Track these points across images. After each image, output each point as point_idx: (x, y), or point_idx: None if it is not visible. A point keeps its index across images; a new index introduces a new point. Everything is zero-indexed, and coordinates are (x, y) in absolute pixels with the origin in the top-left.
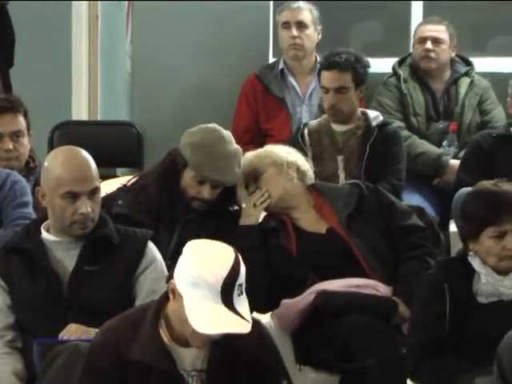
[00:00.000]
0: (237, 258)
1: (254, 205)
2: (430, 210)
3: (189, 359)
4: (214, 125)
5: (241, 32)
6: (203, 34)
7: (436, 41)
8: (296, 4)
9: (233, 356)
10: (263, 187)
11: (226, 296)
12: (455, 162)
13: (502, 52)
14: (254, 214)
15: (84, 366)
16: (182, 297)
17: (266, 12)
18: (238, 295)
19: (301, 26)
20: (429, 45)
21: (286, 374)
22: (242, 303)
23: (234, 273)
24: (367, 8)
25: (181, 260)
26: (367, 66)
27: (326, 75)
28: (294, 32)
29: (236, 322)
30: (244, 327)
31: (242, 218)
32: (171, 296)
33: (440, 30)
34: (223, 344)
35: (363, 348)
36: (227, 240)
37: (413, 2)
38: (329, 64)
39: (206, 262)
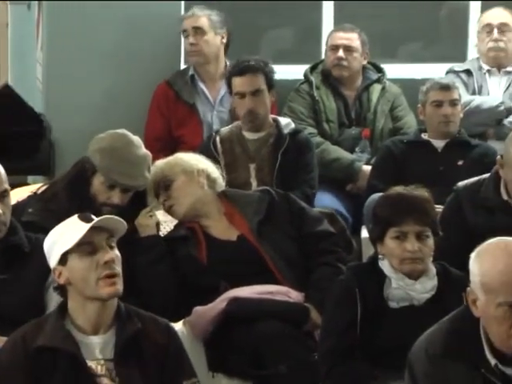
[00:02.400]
0: None
1: (150, 216)
2: (346, 215)
3: (97, 347)
4: (122, 130)
5: (152, 38)
6: (114, 40)
7: (348, 49)
8: (191, 11)
9: (140, 348)
10: (174, 195)
11: (85, 218)
12: (368, 168)
13: (412, 58)
14: (149, 224)
15: None
16: (64, 260)
17: (177, 19)
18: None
19: (198, 32)
20: (341, 53)
21: (194, 373)
22: None
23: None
24: (278, 15)
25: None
26: (274, 71)
27: (240, 81)
28: (191, 39)
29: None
30: (109, 218)
31: (140, 230)
32: (63, 281)
33: (352, 38)
34: (130, 334)
35: (275, 354)
36: (134, 249)
37: (324, 10)
38: (241, 69)
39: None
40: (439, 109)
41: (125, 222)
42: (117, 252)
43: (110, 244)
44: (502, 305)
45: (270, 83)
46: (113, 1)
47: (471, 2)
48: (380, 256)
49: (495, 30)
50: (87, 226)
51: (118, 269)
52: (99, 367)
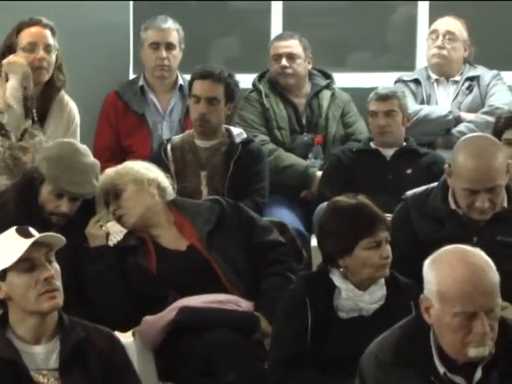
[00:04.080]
0: None
1: (101, 226)
2: (298, 225)
3: (40, 357)
4: (69, 139)
5: (101, 49)
6: (63, 49)
7: (290, 56)
8: (166, 24)
9: (85, 357)
10: (124, 205)
11: (24, 233)
12: None
13: (362, 67)
14: (99, 234)
15: None
16: (3, 276)
17: (126, 28)
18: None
19: (169, 47)
20: (284, 62)
21: (139, 382)
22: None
23: None
24: (227, 23)
25: None
26: (238, 85)
27: (199, 84)
28: (164, 54)
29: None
30: (49, 235)
31: (90, 240)
32: (2, 296)
33: (293, 45)
34: (75, 343)
35: (225, 364)
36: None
37: (272, 19)
38: (203, 73)
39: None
40: (375, 119)
41: (64, 238)
42: (56, 266)
43: (49, 258)
44: (459, 315)
45: (229, 96)
46: (61, 10)
47: (420, 11)
48: (341, 269)
49: (440, 37)
50: (26, 242)
51: (58, 283)
52: (41, 377)
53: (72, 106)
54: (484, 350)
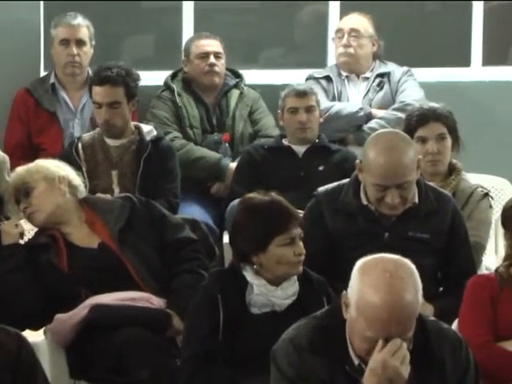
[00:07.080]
0: None
1: (16, 225)
2: (209, 222)
3: None
4: None
5: (11, 46)
6: None
7: (217, 55)
8: (76, 20)
9: None
10: (34, 202)
11: None
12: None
13: (273, 64)
14: (13, 232)
15: None
16: None
17: (36, 26)
18: None
19: (80, 43)
20: (212, 59)
21: (48, 383)
22: None
23: None
24: (138, 22)
25: None
26: (138, 79)
27: (98, 91)
28: (74, 50)
29: None
30: None
31: (3, 236)
32: None
33: (218, 45)
34: None
35: (137, 361)
36: None
37: (184, 17)
38: (100, 79)
39: None
40: (295, 115)
41: None
42: None
43: None
44: (369, 336)
45: (131, 94)
46: None
47: (331, 9)
48: (255, 266)
49: (345, 36)
50: None
51: None
52: None
53: None
54: None
